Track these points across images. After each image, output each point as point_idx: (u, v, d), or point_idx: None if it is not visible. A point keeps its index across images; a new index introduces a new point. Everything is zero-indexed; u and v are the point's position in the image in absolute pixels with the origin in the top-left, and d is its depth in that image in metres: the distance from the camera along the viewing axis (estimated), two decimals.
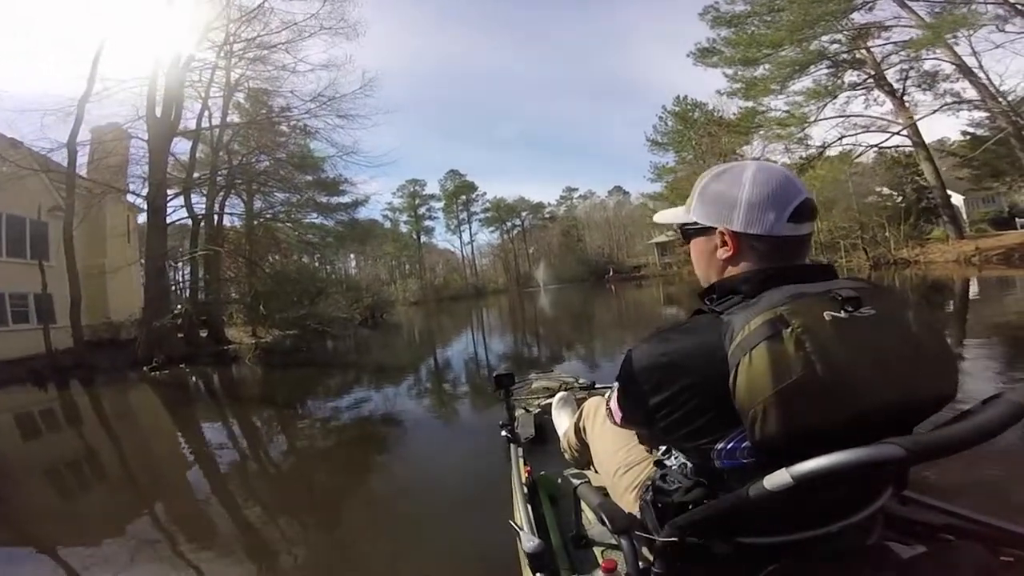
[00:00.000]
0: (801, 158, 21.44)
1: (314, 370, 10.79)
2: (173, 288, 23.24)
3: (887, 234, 20.41)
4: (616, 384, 0.98)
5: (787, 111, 21.91)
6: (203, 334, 16.98)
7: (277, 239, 23.48)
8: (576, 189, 64.71)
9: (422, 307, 40.55)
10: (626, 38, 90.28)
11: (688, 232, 0.98)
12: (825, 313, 0.72)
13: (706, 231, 0.93)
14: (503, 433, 2.19)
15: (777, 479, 0.68)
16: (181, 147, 17.98)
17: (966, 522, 1.01)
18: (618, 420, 1.00)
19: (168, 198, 15.48)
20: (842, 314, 0.72)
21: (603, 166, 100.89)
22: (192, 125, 17.70)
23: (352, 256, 48.63)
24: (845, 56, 20.88)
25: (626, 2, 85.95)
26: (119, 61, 17.01)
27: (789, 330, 0.70)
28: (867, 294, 0.75)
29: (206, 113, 18.27)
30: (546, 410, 2.38)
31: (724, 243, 0.89)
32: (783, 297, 0.75)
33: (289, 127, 20.79)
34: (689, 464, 0.87)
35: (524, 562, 1.26)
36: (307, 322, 15.78)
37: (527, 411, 2.51)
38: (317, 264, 31.29)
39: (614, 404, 1.00)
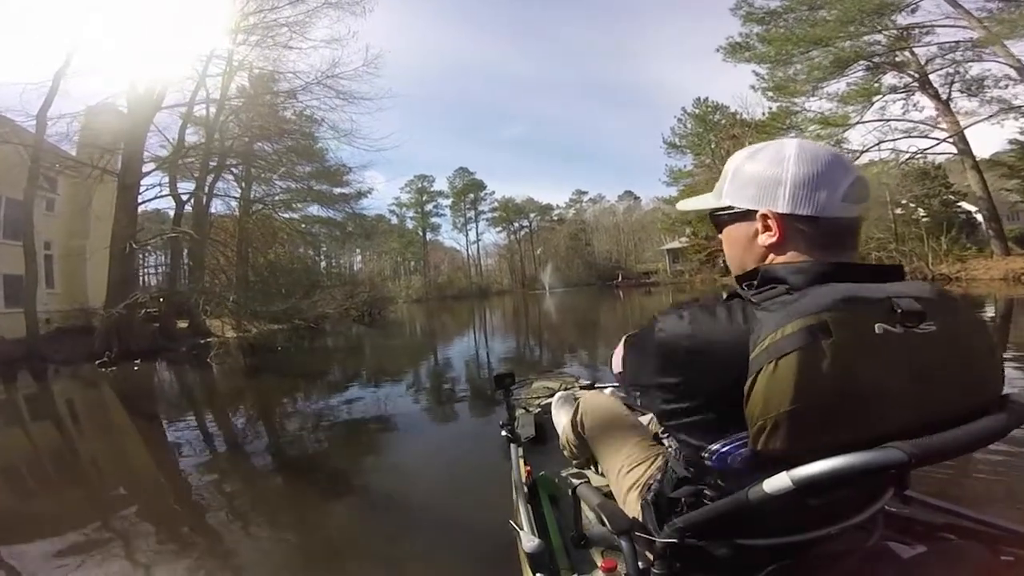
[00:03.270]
0: None
1: (282, 377, 9.22)
2: (155, 274, 22.15)
3: (925, 248, 18.96)
4: (624, 340, 0.95)
5: (823, 112, 21.12)
6: (184, 325, 15.86)
7: (274, 228, 22.39)
8: (586, 192, 63.31)
9: (424, 305, 39.67)
10: (638, 43, 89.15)
11: (721, 219, 0.89)
12: (877, 325, 0.64)
13: (744, 216, 0.84)
14: (503, 433, 2.15)
15: (777, 483, 0.66)
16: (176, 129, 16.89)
17: (967, 521, 1.00)
18: (615, 373, 0.99)
19: (144, 175, 14.24)
20: (897, 329, 0.65)
21: (613, 170, 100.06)
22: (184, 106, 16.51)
23: (358, 251, 47.91)
24: (887, 58, 19.91)
25: (640, 8, 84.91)
26: (106, 32, 15.56)
27: (830, 342, 0.63)
28: (932, 306, 0.67)
29: (202, 92, 17.09)
30: (546, 410, 2.33)
31: (767, 227, 0.80)
32: (832, 300, 0.65)
33: (295, 113, 19.70)
34: (681, 453, 0.84)
35: (524, 562, 1.26)
36: (293, 319, 14.55)
37: (527, 411, 2.45)
38: (320, 257, 30.41)
39: (618, 357, 0.97)
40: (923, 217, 21.63)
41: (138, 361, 11.02)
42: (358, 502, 3.15)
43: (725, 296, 0.80)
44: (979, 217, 20.98)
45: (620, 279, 47.56)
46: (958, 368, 0.68)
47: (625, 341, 0.94)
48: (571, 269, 54.45)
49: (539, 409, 2.44)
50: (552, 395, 2.46)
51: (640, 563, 0.94)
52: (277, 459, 4.25)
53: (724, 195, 0.87)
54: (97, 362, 10.83)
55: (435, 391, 6.66)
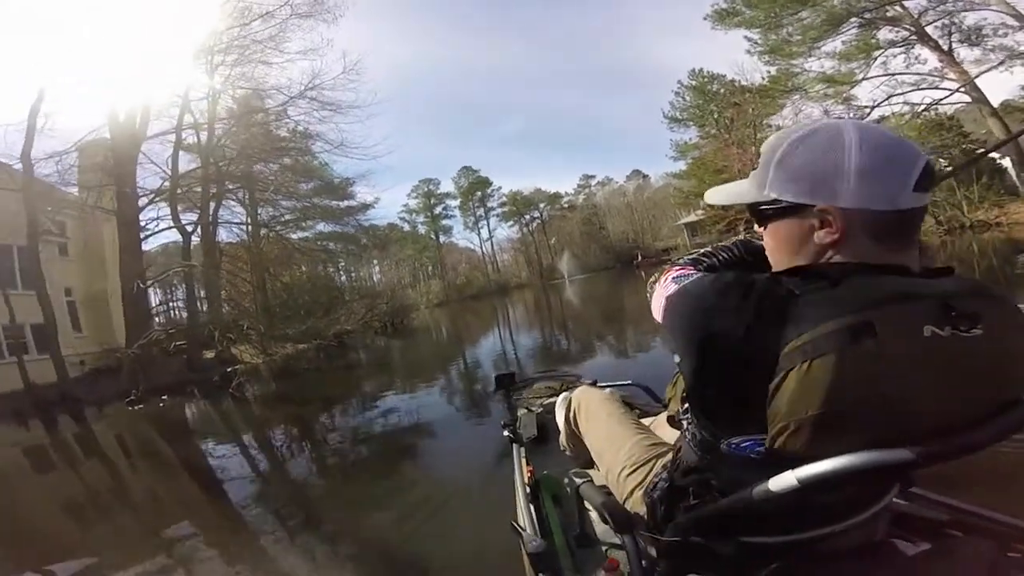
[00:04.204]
0: None
1: (304, 403, 9.05)
2: (183, 308, 22.49)
3: (958, 197, 18.33)
4: (673, 283, 0.82)
5: (824, 71, 20.60)
6: (211, 355, 16.03)
7: (289, 250, 22.54)
8: (593, 176, 62.13)
9: (446, 308, 39.71)
10: (628, 25, 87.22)
11: (764, 213, 0.78)
12: (925, 327, 0.59)
13: (794, 211, 0.74)
14: (505, 433, 2.15)
15: (782, 482, 0.66)
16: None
17: (972, 518, 0.99)
18: (660, 319, 0.85)
19: (142, 209, 14.31)
20: (945, 332, 0.60)
21: (618, 152, 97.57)
22: (172, 133, 16.50)
23: (375, 262, 48.20)
24: (878, 13, 19.41)
25: None
26: (79, 63, 15.44)
27: (873, 344, 0.58)
28: (985, 307, 0.63)
29: (188, 117, 17.14)
30: (548, 409, 2.27)
31: (826, 224, 0.70)
32: (880, 296, 0.61)
33: (289, 131, 19.74)
34: (697, 438, 0.81)
35: (527, 563, 1.24)
36: (314, 338, 14.59)
37: (529, 411, 2.40)
38: (339, 272, 30.62)
39: (659, 301, 0.85)
40: (946, 167, 20.96)
41: (165, 396, 11.18)
42: (397, 518, 3.18)
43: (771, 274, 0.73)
44: (1004, 163, 20.47)
45: (640, 259, 46.91)
46: (996, 373, 0.65)
47: (673, 291, 0.81)
48: (588, 255, 53.86)
49: (541, 409, 2.41)
50: (555, 395, 2.43)
51: (643, 562, 0.94)
52: (306, 483, 4.30)
53: (769, 186, 0.76)
54: (125, 400, 10.97)
55: (465, 394, 6.75)
